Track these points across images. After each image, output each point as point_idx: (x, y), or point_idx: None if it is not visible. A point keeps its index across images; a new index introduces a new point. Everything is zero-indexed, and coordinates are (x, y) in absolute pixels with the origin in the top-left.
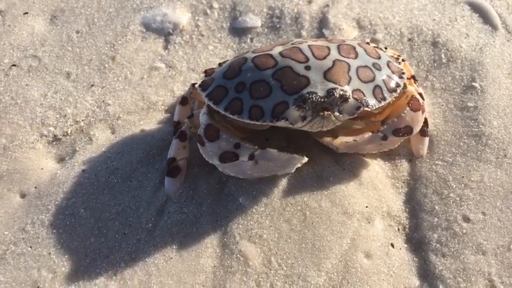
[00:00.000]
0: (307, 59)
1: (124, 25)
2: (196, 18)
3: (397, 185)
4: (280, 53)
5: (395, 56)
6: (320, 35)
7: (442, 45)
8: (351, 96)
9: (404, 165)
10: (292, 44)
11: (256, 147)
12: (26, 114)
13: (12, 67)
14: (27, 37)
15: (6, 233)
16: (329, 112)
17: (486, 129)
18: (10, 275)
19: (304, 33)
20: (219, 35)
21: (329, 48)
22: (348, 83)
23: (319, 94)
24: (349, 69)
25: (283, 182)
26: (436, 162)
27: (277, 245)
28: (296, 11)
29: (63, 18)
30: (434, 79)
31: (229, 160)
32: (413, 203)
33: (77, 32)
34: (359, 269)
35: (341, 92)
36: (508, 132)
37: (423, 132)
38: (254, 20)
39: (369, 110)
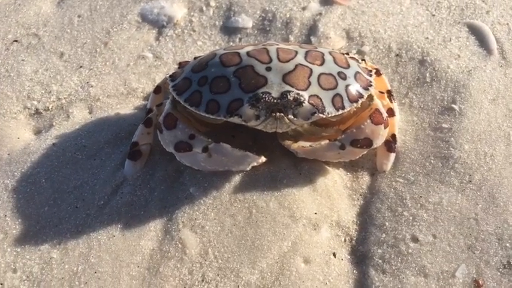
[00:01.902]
0: (270, 60)
1: (122, 14)
2: (192, 14)
3: (354, 196)
4: (247, 53)
5: (369, 69)
6: (307, 42)
7: (430, 64)
8: (306, 101)
9: (365, 178)
10: (264, 45)
11: (210, 140)
12: (15, 86)
13: (14, 42)
14: (33, 16)
15: None
16: (281, 114)
17: (455, 152)
18: None
19: (292, 38)
20: (210, 32)
21: (296, 53)
22: (306, 88)
23: (273, 95)
24: (310, 75)
25: (237, 178)
26: (397, 179)
27: (217, 238)
28: (288, 16)
29: (69, 2)
30: (414, 97)
31: (184, 150)
32: (365, 216)
33: (79, 16)
34: (294, 273)
35: (295, 96)
36: (478, 158)
37: (390, 147)
38: (246, 21)
39: (324, 116)
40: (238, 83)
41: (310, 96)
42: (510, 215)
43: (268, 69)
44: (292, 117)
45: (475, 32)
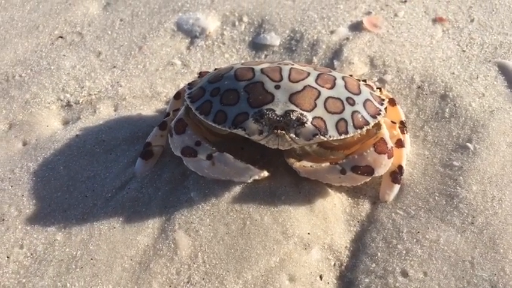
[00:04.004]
0: (281, 79)
1: (160, 21)
2: (224, 27)
3: (351, 222)
4: (261, 69)
5: (382, 98)
6: (330, 65)
7: (451, 99)
8: (309, 122)
9: (365, 206)
10: (279, 63)
11: (214, 149)
12: (53, 79)
13: (59, 38)
14: (80, 16)
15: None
16: (283, 132)
17: (462, 191)
18: None
19: (315, 60)
20: (239, 46)
21: (309, 74)
22: (311, 110)
23: (276, 112)
24: (317, 97)
25: (237, 189)
26: (398, 211)
27: (208, 243)
28: (316, 38)
29: (114, 6)
30: (429, 131)
31: (189, 155)
32: (359, 243)
33: (121, 20)
34: None
35: (298, 115)
36: (485, 201)
37: (395, 178)
38: (274, 39)
39: (326, 139)
40: (246, 98)
41: (314, 118)
42: (509, 263)
43: (277, 87)
44: (294, 136)
45: (505, 72)
